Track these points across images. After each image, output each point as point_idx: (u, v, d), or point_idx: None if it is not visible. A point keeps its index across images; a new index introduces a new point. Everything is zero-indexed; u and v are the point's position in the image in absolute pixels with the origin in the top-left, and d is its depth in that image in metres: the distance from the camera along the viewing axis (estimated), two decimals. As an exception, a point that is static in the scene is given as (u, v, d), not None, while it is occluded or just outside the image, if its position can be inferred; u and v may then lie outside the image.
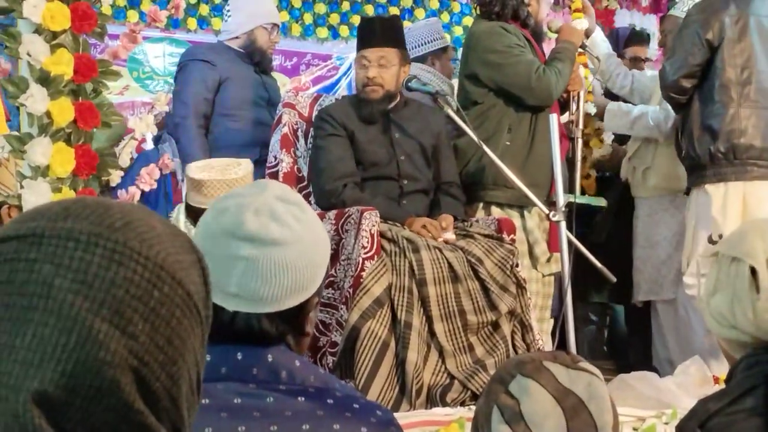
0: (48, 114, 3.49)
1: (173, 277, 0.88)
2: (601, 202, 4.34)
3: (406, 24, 7.03)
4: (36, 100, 3.45)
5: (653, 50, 6.31)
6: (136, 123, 3.93)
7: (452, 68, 5.35)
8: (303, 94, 4.76)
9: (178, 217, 3.74)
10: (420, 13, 8.22)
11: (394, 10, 7.99)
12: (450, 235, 3.82)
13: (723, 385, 2.01)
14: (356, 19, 7.29)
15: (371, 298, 3.50)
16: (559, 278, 4.21)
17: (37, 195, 3.43)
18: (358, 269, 3.55)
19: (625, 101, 5.15)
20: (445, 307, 3.61)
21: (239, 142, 4.57)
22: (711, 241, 4.15)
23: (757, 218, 3.76)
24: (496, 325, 3.73)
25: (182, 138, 4.59)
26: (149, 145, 6.74)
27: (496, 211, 4.29)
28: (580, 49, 4.58)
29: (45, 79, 3.48)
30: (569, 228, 3.87)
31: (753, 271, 1.90)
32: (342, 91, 8.38)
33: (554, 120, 4.02)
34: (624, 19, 8.35)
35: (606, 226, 5.05)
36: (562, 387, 1.55)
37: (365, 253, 3.56)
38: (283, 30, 6.84)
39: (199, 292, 0.92)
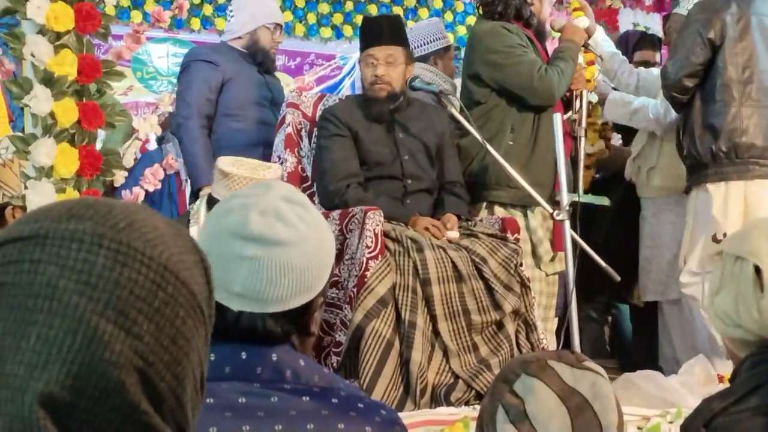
0: (52, 115, 3.49)
1: (177, 277, 0.88)
2: (604, 201, 4.34)
3: (410, 24, 7.04)
4: (40, 100, 3.46)
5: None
6: (140, 123, 3.93)
7: (454, 68, 5.35)
8: (307, 94, 4.76)
9: (200, 208, 3.75)
10: (423, 12, 8.23)
11: (397, 10, 8.00)
12: (454, 234, 3.82)
13: (727, 384, 2.01)
14: (360, 19, 7.30)
15: (375, 297, 3.50)
16: (563, 277, 4.21)
17: (41, 196, 3.43)
18: (362, 269, 3.55)
19: None
20: (449, 307, 3.61)
21: (242, 142, 4.56)
22: (715, 239, 4.15)
23: (761, 217, 3.76)
24: (500, 325, 3.73)
25: (185, 138, 4.59)
26: (152, 146, 6.76)
27: (500, 211, 4.29)
28: (583, 48, 4.57)
29: (49, 80, 3.49)
30: (573, 227, 3.87)
31: (757, 270, 1.90)
32: (345, 90, 8.39)
33: (558, 119, 4.02)
34: (627, 18, 8.35)
35: (605, 224, 5.04)
36: (567, 386, 1.55)
37: (369, 253, 3.56)
38: (286, 30, 6.84)
39: (203, 291, 0.92)
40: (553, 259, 4.35)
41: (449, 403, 3.48)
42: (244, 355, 1.55)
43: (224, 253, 1.56)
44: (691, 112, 4.37)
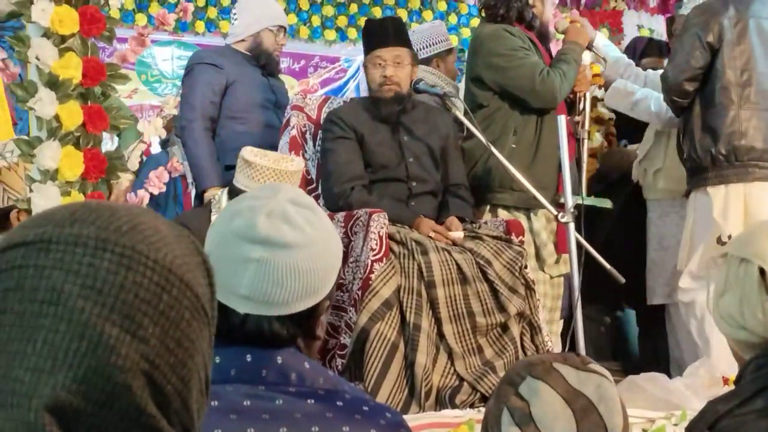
0: (57, 118, 3.49)
1: (181, 279, 0.88)
2: (607, 203, 4.34)
3: (413, 26, 7.04)
4: (45, 103, 3.46)
5: None
6: (144, 126, 3.94)
7: (456, 71, 5.35)
8: (311, 96, 4.76)
9: (222, 199, 3.77)
10: (428, 14, 8.23)
11: (402, 12, 8.01)
12: (458, 234, 3.82)
13: (732, 387, 2.01)
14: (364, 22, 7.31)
15: (380, 300, 3.50)
16: (568, 280, 4.21)
17: (46, 199, 3.43)
18: (367, 271, 3.55)
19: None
20: (454, 309, 3.61)
21: (247, 145, 4.57)
22: (720, 242, 4.15)
23: (766, 220, 3.76)
24: (505, 327, 3.73)
25: (189, 141, 4.60)
26: (155, 149, 6.77)
27: (503, 214, 4.29)
28: (587, 50, 4.57)
29: (54, 83, 3.49)
30: (578, 229, 3.87)
31: (762, 272, 1.90)
32: (350, 93, 8.40)
33: (563, 121, 4.01)
34: (632, 20, 8.36)
35: (606, 227, 5.04)
36: (572, 389, 1.55)
37: (374, 256, 3.57)
38: (291, 32, 6.85)
39: (206, 293, 0.92)
40: (557, 262, 4.35)
41: (454, 406, 3.48)
42: (249, 358, 1.55)
43: (231, 255, 1.56)
44: (691, 115, 4.38)
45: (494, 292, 3.68)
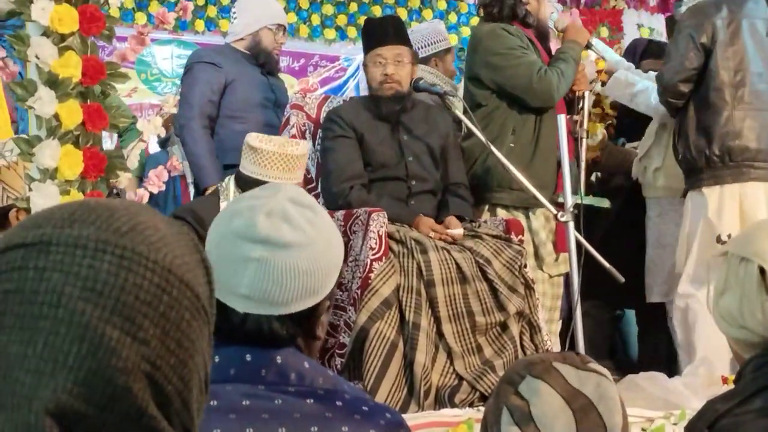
0: (56, 116, 3.49)
1: (181, 280, 0.88)
2: (605, 203, 4.35)
3: (413, 25, 7.04)
4: (44, 102, 3.46)
5: None
6: (144, 125, 3.94)
7: (455, 70, 5.35)
8: (311, 95, 4.76)
9: (229, 184, 3.77)
10: (428, 13, 8.23)
11: (401, 11, 8.01)
12: (458, 231, 3.82)
13: (732, 386, 2.01)
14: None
15: (379, 299, 3.50)
16: (567, 279, 4.21)
17: (45, 198, 3.43)
18: (366, 270, 3.55)
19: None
20: (453, 308, 3.61)
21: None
22: (719, 241, 4.14)
23: (766, 219, 3.76)
24: (504, 326, 3.73)
25: (188, 140, 4.60)
26: (153, 148, 6.77)
27: (502, 213, 4.29)
28: (586, 49, 4.57)
29: (53, 82, 3.49)
30: (577, 229, 3.87)
31: (762, 271, 1.90)
32: (350, 92, 8.40)
33: (563, 120, 4.01)
34: (632, 19, 8.35)
35: (604, 226, 5.03)
36: (572, 388, 1.55)
37: (373, 255, 3.57)
38: (290, 31, 6.85)
39: (205, 291, 0.92)
40: (556, 261, 4.35)
41: (453, 405, 3.48)
42: (248, 358, 1.55)
43: (231, 254, 1.56)
44: (685, 116, 4.39)
45: (494, 291, 3.68)
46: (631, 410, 2.87)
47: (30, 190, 3.49)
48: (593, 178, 5.49)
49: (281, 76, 5.18)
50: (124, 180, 3.77)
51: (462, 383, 3.57)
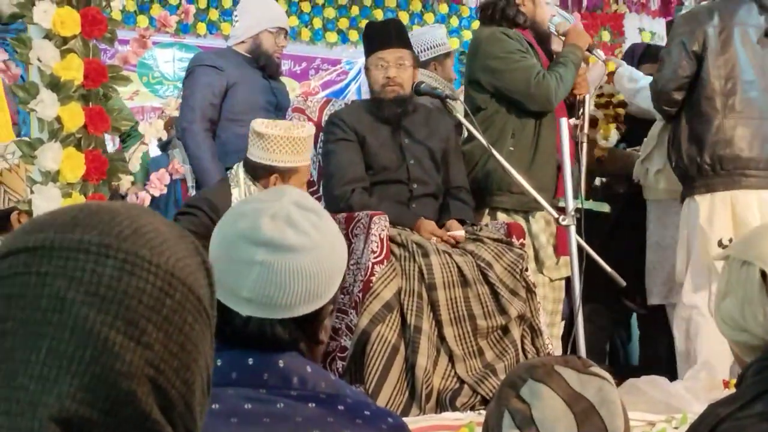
0: (58, 119, 3.49)
1: (184, 283, 0.88)
2: (604, 207, 4.35)
3: (415, 28, 7.04)
4: (46, 105, 3.46)
5: None
6: (145, 128, 3.94)
7: (454, 75, 5.36)
8: (312, 98, 4.76)
9: (238, 171, 3.77)
10: (429, 17, 8.23)
11: (403, 15, 8.01)
12: (460, 232, 3.83)
13: (733, 390, 2.00)
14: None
15: (381, 302, 3.51)
16: (568, 283, 4.21)
17: (47, 200, 3.43)
18: (368, 274, 3.55)
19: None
20: (454, 312, 3.62)
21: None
22: (721, 244, 4.14)
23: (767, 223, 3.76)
24: (505, 330, 3.73)
25: (190, 143, 4.60)
26: (153, 150, 6.77)
27: (502, 217, 4.29)
28: (587, 52, 4.56)
29: (55, 85, 3.49)
30: (578, 232, 3.86)
31: (763, 275, 1.90)
32: (351, 95, 8.40)
33: (565, 123, 4.01)
34: (633, 23, 8.35)
35: (602, 229, 5.03)
36: (574, 392, 1.55)
37: (375, 258, 3.57)
38: (292, 35, 6.85)
39: (207, 294, 0.92)
40: (557, 264, 4.35)
41: (454, 408, 3.48)
42: (250, 361, 1.55)
43: (235, 257, 1.56)
44: (678, 124, 4.40)
45: (495, 295, 3.68)
46: (633, 414, 2.87)
47: (32, 192, 3.49)
48: (597, 182, 5.50)
49: (283, 79, 5.19)
50: (126, 183, 3.77)
51: (463, 386, 3.57)
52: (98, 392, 0.81)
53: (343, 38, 8.19)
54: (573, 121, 4.45)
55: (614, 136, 5.46)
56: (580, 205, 3.92)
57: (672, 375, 4.22)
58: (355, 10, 8.11)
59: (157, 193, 3.91)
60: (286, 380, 1.54)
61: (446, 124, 4.24)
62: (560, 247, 4.27)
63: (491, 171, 4.27)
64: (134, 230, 0.88)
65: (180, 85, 6.03)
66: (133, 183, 3.97)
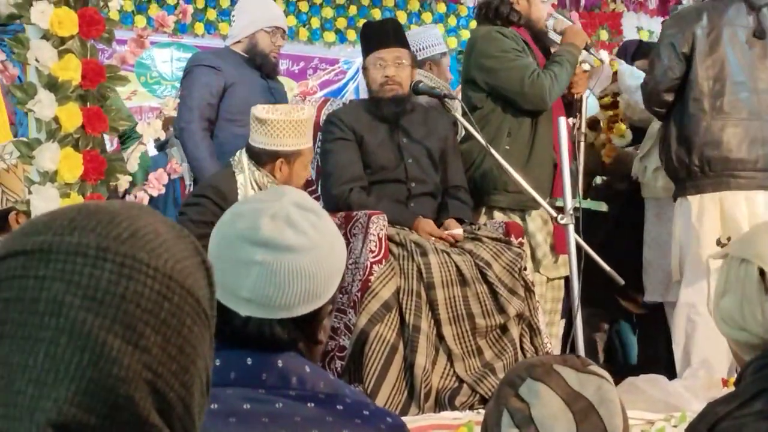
0: (56, 119, 3.49)
1: (182, 286, 0.88)
2: (602, 207, 4.35)
3: (412, 27, 7.04)
4: (44, 105, 3.46)
5: None
6: (143, 128, 3.93)
7: (450, 75, 5.36)
8: (310, 98, 4.76)
9: (241, 158, 3.77)
10: (427, 16, 8.24)
11: (401, 14, 8.02)
12: (458, 231, 3.83)
13: (732, 388, 2.00)
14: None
15: (380, 301, 3.51)
16: (567, 281, 4.21)
17: (45, 201, 3.43)
18: (366, 273, 3.55)
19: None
20: (453, 311, 3.62)
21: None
22: (719, 243, 4.15)
23: (766, 221, 3.76)
24: (504, 329, 3.73)
25: (188, 143, 4.59)
26: (150, 150, 6.77)
27: (499, 216, 4.29)
28: (584, 51, 4.56)
29: (53, 85, 3.49)
30: (577, 232, 3.86)
31: (762, 273, 1.90)
32: (349, 94, 8.40)
33: (563, 122, 4.01)
34: (631, 22, 8.36)
35: (601, 229, 5.03)
36: (572, 390, 1.55)
37: (373, 257, 3.57)
38: (290, 34, 6.85)
39: (206, 295, 0.92)
40: (555, 263, 4.35)
41: (453, 408, 3.48)
42: (249, 361, 1.55)
43: (234, 257, 1.56)
44: (668, 126, 4.40)
45: (494, 294, 3.68)
46: (632, 413, 2.87)
47: (30, 193, 3.48)
48: (598, 180, 5.50)
49: (281, 79, 5.18)
50: (124, 183, 3.77)
51: (462, 386, 3.57)
52: (96, 397, 0.81)
53: (341, 38, 8.19)
54: (571, 120, 4.45)
55: (629, 134, 5.46)
56: (577, 205, 3.93)
57: (671, 374, 4.22)
58: (353, 10, 8.11)
59: (155, 193, 3.91)
60: (284, 380, 1.54)
61: (444, 123, 4.24)
62: (558, 246, 4.27)
63: (488, 170, 4.27)
64: (132, 233, 0.87)
65: (178, 85, 6.02)
66: (133, 184, 3.96)
